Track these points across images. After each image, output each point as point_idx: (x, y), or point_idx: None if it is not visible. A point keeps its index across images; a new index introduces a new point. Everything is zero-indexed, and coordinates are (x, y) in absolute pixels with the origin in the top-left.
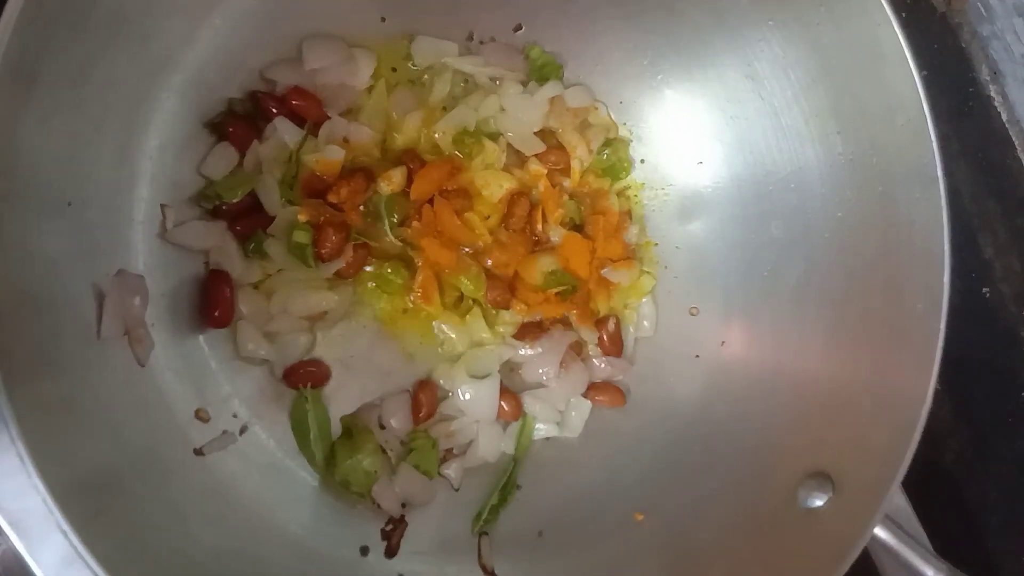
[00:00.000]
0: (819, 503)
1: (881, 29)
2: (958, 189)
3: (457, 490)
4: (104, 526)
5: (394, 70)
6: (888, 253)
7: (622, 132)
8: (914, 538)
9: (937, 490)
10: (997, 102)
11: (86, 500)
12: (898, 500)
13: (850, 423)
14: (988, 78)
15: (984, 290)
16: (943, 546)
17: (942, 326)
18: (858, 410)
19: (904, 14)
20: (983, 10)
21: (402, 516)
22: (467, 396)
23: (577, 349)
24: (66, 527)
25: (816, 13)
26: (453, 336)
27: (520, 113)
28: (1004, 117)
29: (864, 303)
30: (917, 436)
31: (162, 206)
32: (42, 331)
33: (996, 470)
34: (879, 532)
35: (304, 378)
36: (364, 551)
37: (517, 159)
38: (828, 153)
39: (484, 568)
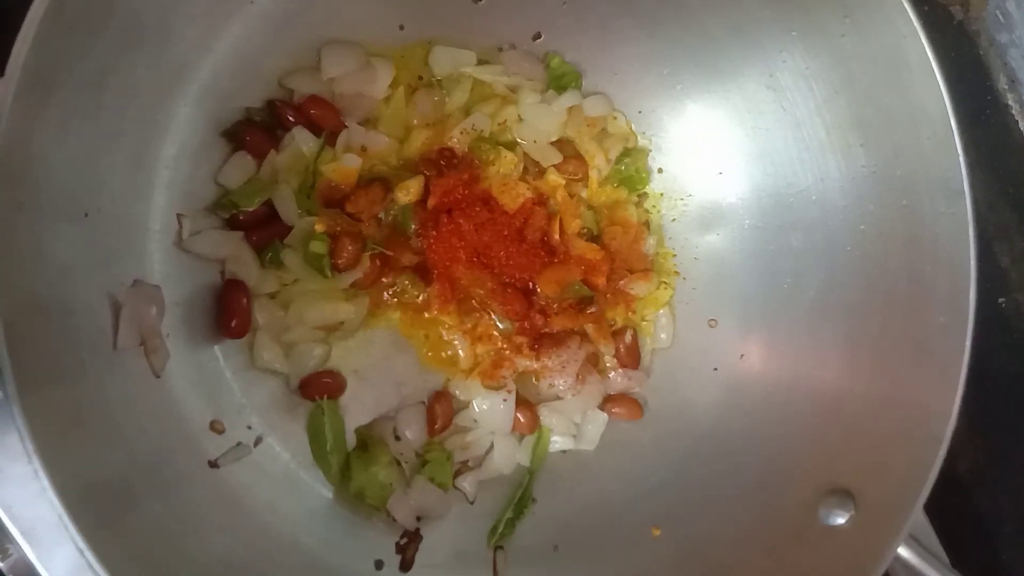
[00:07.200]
0: (840, 521)
1: (907, 40)
2: (974, 198)
3: (472, 503)
4: (115, 536)
5: (420, 78)
6: (911, 266)
7: (641, 142)
8: (933, 554)
9: (951, 500)
10: (1015, 110)
11: (98, 510)
12: (915, 515)
13: (871, 439)
14: (1006, 86)
15: (1000, 300)
16: (957, 556)
17: (968, 341)
18: (879, 426)
19: (921, 22)
20: (1001, 18)
21: (417, 529)
22: (483, 408)
23: (593, 361)
24: (77, 537)
25: (840, 24)
26: (463, 351)
27: (537, 122)
28: (1022, 126)
29: (886, 316)
30: (942, 454)
31: (178, 215)
32: (56, 340)
33: (1011, 480)
34: (900, 550)
35: (320, 389)
36: (378, 565)
37: (534, 169)
38: (850, 165)
39: None
